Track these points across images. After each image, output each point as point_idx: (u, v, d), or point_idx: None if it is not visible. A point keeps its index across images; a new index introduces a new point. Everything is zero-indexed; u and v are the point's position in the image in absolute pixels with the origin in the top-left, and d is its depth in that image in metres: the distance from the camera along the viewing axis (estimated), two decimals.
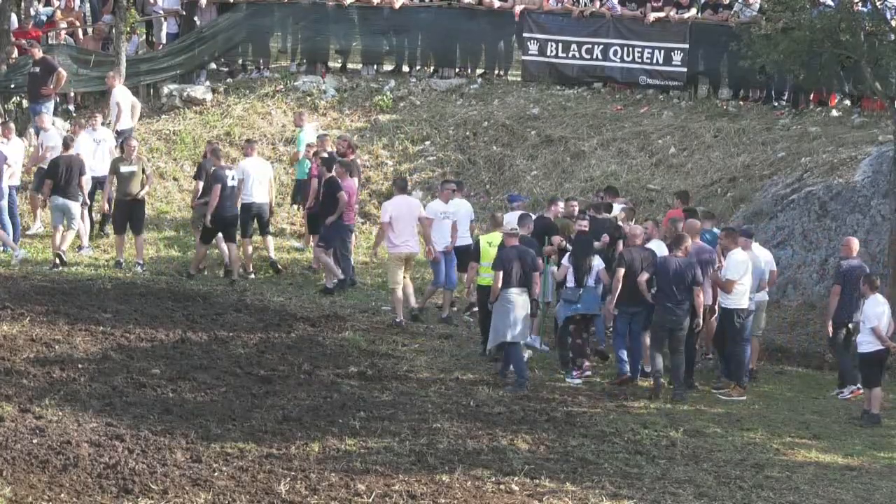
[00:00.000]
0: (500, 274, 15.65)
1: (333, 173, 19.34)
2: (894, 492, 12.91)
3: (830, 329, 16.36)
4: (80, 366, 15.00)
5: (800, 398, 16.29)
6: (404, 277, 18.13)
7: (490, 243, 16.58)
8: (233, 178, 19.46)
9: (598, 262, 16.44)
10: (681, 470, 13.00)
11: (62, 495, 11.11)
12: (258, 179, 19.89)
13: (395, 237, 17.98)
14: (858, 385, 16.16)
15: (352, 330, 17.60)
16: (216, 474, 11.82)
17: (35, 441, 12.27)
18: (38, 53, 23.18)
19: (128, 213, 19.98)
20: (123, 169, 19.80)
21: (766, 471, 13.21)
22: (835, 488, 12.86)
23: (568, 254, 16.62)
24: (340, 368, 15.78)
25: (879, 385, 15.50)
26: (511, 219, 17.02)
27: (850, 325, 16.42)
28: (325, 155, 20.17)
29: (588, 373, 16.28)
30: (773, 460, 13.62)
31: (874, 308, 15.39)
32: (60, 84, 23.23)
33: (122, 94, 22.69)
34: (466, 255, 17.87)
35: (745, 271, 16.15)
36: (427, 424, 13.81)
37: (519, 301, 15.70)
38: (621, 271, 15.94)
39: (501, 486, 12.10)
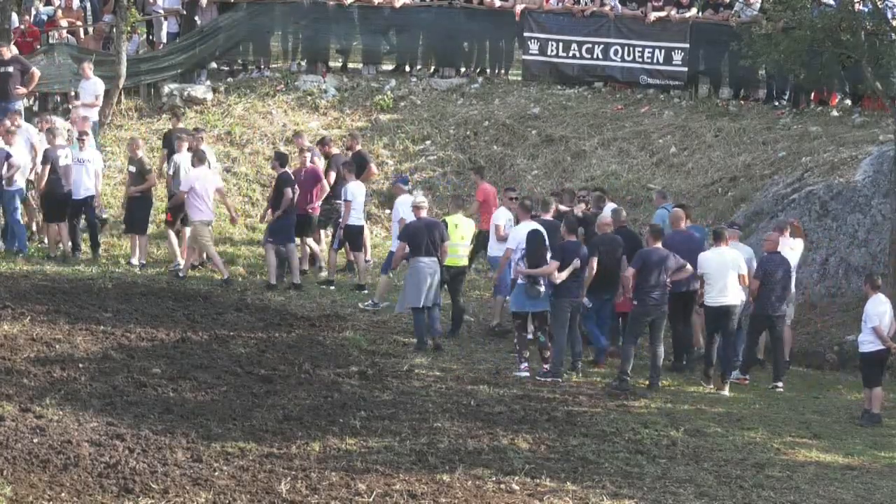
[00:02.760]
0: (405, 244, 16.90)
1: (286, 169, 19.75)
2: (895, 491, 12.91)
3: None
4: (80, 365, 14.99)
5: (800, 397, 16.30)
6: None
7: (457, 225, 17.52)
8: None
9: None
10: (681, 469, 13.00)
11: (63, 495, 11.11)
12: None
13: (202, 205, 19.27)
14: (746, 375, 16.54)
15: (352, 329, 17.61)
16: (217, 474, 11.82)
17: (36, 440, 12.26)
18: (8, 53, 23.05)
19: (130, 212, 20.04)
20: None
21: (767, 470, 13.20)
22: (835, 488, 12.86)
23: (524, 252, 16.26)
24: (341, 368, 15.78)
25: (880, 385, 15.49)
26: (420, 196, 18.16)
27: (775, 317, 16.52)
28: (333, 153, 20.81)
29: (527, 374, 16.17)
30: (774, 460, 13.62)
31: (875, 307, 15.38)
32: (33, 83, 23.15)
33: (101, 86, 22.94)
34: (360, 235, 19.60)
35: (712, 269, 16.20)
36: (428, 424, 13.80)
37: (428, 269, 16.67)
38: (594, 260, 16.21)
39: (502, 486, 12.09)
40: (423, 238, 16.80)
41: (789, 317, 17.12)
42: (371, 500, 11.49)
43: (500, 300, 18.07)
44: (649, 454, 13.39)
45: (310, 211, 19.83)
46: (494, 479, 12.25)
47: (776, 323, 16.49)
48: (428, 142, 24.08)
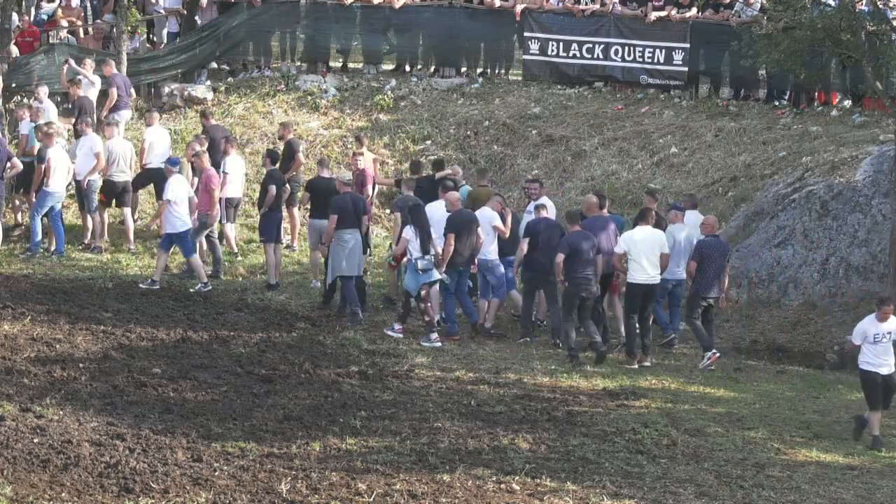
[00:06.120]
0: (335, 217, 17.90)
1: (276, 167, 20.13)
2: (895, 491, 12.91)
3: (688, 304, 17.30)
4: (80, 365, 15.00)
5: (801, 397, 16.29)
6: None
7: None
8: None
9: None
10: (682, 469, 13.00)
11: (63, 494, 11.11)
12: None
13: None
14: (715, 350, 16.91)
15: (353, 329, 17.61)
16: (217, 473, 11.82)
17: (36, 440, 12.27)
18: None
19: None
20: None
21: (767, 470, 13.20)
22: (836, 487, 12.86)
23: (409, 225, 17.44)
24: (341, 367, 15.79)
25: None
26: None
27: (711, 300, 17.04)
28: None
29: (438, 343, 17.14)
30: (774, 459, 13.62)
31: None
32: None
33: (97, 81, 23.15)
34: (236, 208, 21.00)
35: (635, 247, 16.77)
36: (428, 424, 13.81)
37: (351, 241, 17.95)
38: (452, 237, 17.32)
39: (502, 486, 12.09)
40: (349, 212, 17.99)
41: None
42: (371, 500, 11.49)
43: (494, 303, 18.19)
44: (650, 454, 13.39)
45: None
46: (495, 479, 12.25)
47: (710, 304, 17.12)
48: (428, 142, 24.08)
